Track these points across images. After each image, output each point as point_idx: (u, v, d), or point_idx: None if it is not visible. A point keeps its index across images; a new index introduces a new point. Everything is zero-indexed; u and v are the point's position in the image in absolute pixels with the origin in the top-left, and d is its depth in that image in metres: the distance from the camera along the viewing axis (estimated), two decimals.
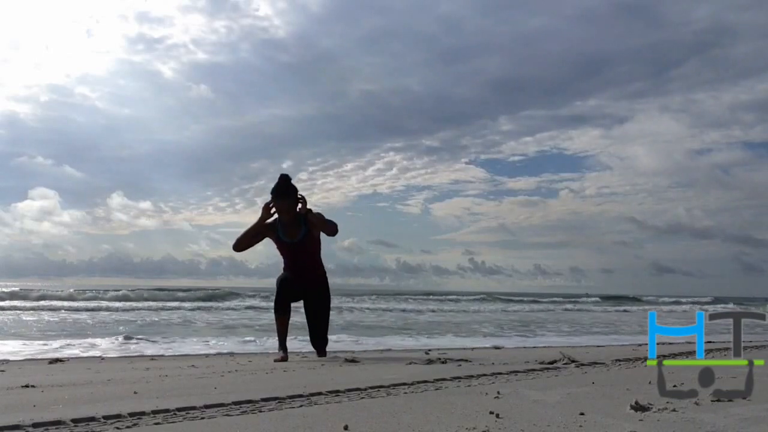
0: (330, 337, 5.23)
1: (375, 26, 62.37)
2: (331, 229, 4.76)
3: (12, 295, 22.01)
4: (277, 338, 4.89)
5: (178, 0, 68.47)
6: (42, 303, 19.17)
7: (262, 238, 4.84)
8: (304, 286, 4.90)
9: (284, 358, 4.65)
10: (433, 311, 19.94)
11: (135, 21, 66.16)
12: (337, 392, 2.60)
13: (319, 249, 4.94)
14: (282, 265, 4.98)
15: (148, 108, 69.28)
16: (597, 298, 36.40)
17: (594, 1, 58.16)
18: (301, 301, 4.97)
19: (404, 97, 66.28)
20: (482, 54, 64.31)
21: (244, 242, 4.83)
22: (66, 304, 19.06)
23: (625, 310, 24.47)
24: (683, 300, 39.83)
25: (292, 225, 4.76)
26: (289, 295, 4.84)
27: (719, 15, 54.84)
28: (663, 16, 57.88)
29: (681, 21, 56.66)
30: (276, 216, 4.80)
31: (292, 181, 4.78)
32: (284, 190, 4.70)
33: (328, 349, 5.05)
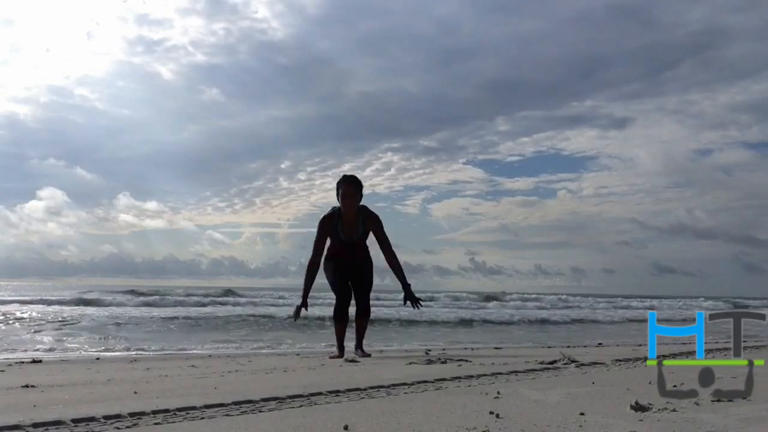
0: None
1: (372, 28, 62.48)
2: (391, 254, 5.02)
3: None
4: (336, 341, 5.24)
5: (177, 2, 68.75)
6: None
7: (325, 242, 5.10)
8: (351, 272, 5.16)
9: (340, 356, 5.02)
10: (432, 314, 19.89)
11: (134, 23, 66.43)
12: (337, 392, 2.60)
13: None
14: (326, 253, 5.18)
15: (147, 109, 69.35)
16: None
17: (589, 4, 58.30)
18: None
19: (401, 98, 66.32)
20: (479, 56, 64.35)
21: (318, 257, 5.06)
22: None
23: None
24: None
25: (352, 224, 5.01)
26: (345, 303, 5.14)
27: (713, 17, 54.95)
28: (657, 18, 57.95)
29: (675, 23, 56.75)
30: (331, 217, 5.02)
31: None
32: (352, 178, 4.99)
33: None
